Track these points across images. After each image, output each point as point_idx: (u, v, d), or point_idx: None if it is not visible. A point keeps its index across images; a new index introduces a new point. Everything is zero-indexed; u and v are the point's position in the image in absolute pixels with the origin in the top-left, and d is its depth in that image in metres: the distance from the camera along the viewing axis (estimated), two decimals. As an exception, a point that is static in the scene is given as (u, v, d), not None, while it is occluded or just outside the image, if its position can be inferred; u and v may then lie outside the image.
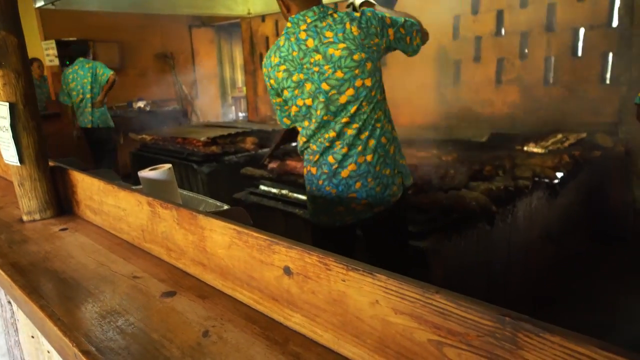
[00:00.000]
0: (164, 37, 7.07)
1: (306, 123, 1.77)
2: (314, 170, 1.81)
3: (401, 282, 0.61)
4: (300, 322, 0.79)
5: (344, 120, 1.70)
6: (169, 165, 1.62)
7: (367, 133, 1.72)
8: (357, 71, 1.64)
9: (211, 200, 1.76)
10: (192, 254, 1.03)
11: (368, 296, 0.66)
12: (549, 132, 3.68)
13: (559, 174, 3.00)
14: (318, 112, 1.71)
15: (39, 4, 3.92)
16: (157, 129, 5.88)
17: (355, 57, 1.63)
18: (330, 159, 1.75)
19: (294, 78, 1.69)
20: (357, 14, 1.69)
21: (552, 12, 3.69)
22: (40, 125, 1.51)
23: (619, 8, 3.26)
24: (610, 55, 3.43)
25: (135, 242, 1.27)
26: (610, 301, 2.86)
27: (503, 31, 3.98)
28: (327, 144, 1.74)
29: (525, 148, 3.49)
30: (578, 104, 3.71)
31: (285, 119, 1.89)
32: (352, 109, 1.68)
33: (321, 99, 1.68)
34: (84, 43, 5.58)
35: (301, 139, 1.83)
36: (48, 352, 1.26)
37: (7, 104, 1.40)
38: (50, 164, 1.59)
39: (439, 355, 0.59)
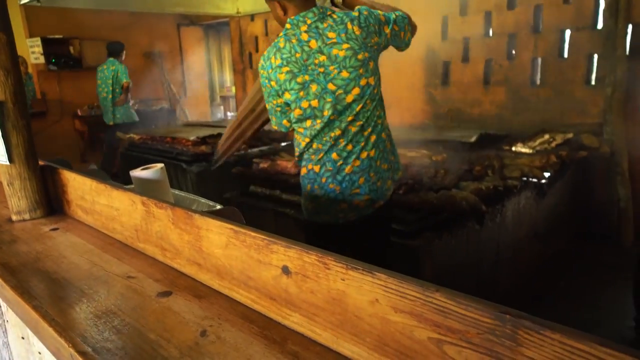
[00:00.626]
0: (152, 36, 7.01)
1: (309, 123, 1.75)
2: (317, 168, 1.80)
3: (401, 281, 0.61)
4: (299, 321, 0.80)
5: (349, 118, 1.72)
6: (161, 165, 1.61)
7: (369, 129, 1.76)
8: (361, 70, 1.68)
9: (203, 200, 1.76)
10: (187, 254, 1.03)
11: (368, 295, 0.66)
12: (536, 132, 3.73)
13: (547, 174, 3.05)
14: (325, 113, 1.71)
15: (24, 0, 3.86)
16: (145, 128, 5.83)
17: (360, 56, 1.67)
18: (334, 155, 1.76)
19: (299, 80, 1.67)
20: (355, 13, 1.71)
21: (539, 14, 3.73)
22: (30, 124, 1.49)
23: (604, 10, 3.32)
24: (595, 56, 3.49)
25: (128, 241, 1.25)
26: (595, 298, 2.92)
27: (491, 32, 4.02)
28: (332, 142, 1.75)
29: (513, 148, 3.53)
30: (564, 105, 3.76)
31: (284, 122, 1.82)
32: (358, 108, 1.72)
33: (328, 99, 1.69)
34: (119, 44, 5.85)
35: (303, 140, 1.79)
36: (39, 353, 1.24)
37: (-4, 102, 1.38)
38: (40, 163, 1.57)
39: (439, 353, 0.59)
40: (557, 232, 3.44)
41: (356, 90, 1.69)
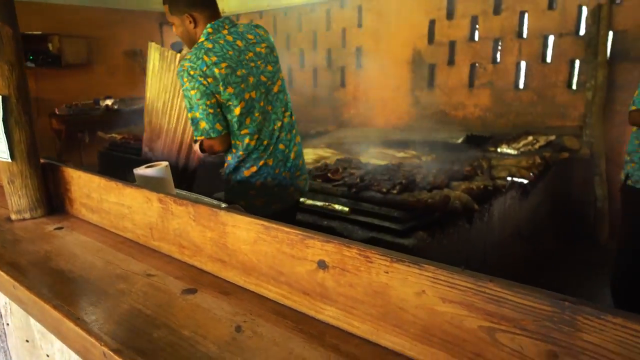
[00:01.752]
0: (134, 34, 6.89)
1: (248, 121, 1.88)
2: (270, 161, 1.96)
3: (451, 272, 0.63)
4: (335, 315, 0.81)
5: (282, 109, 1.97)
6: (165, 163, 1.59)
7: (293, 117, 2.05)
8: (278, 65, 1.98)
9: (207, 199, 1.74)
10: (210, 251, 1.03)
11: (414, 287, 0.68)
12: (520, 134, 3.83)
13: (532, 175, 3.13)
14: (261, 104, 1.90)
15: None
16: (126, 127, 5.72)
17: (274, 54, 1.97)
18: (281, 146, 1.97)
19: (238, 73, 1.82)
20: (253, 23, 2.00)
21: (524, 19, 3.83)
22: (32, 120, 1.45)
23: (587, 17, 3.43)
24: (577, 62, 3.61)
25: (141, 240, 1.24)
26: (574, 293, 3.01)
27: (477, 36, 4.10)
28: (277, 134, 1.95)
29: (498, 149, 3.61)
30: (546, 108, 3.87)
31: (217, 125, 1.85)
32: (284, 98, 1.99)
33: (262, 89, 1.89)
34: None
35: (251, 139, 1.90)
36: (47, 356, 1.22)
37: (0, 96, 1.34)
38: (41, 160, 1.53)
39: (490, 341, 0.61)
40: (538, 230, 3.54)
41: (279, 82, 1.96)
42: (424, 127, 4.54)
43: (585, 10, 3.44)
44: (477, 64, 4.18)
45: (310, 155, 3.61)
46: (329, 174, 2.94)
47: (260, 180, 1.96)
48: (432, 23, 4.34)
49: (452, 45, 4.28)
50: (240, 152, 1.93)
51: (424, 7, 4.32)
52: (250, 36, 1.91)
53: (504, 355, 0.60)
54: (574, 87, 3.69)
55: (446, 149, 3.62)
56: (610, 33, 3.36)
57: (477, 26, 4.10)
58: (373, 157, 3.49)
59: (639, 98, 2.26)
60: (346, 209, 2.65)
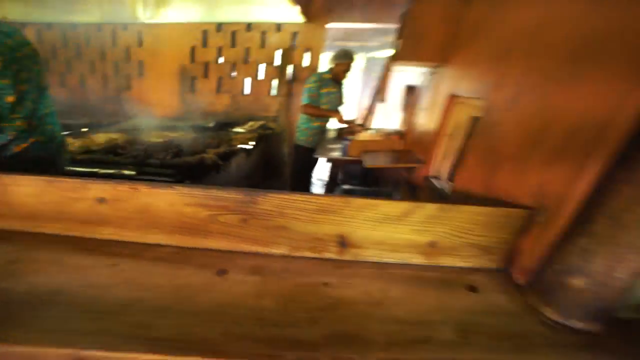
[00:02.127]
0: None
1: (20, 108, 1.46)
2: (40, 138, 1.55)
3: (191, 188, 0.65)
4: (111, 232, 0.71)
5: (47, 100, 1.58)
6: None
7: (54, 107, 1.70)
8: (41, 65, 1.58)
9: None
10: (-18, 208, 0.71)
11: (167, 201, 0.67)
12: (246, 120, 4.05)
13: (252, 143, 3.37)
14: (33, 96, 1.51)
15: None
16: None
17: (38, 56, 1.56)
18: (49, 127, 1.58)
19: (13, 68, 1.38)
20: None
21: (248, 53, 3.95)
22: None
23: (281, 55, 3.79)
24: (275, 80, 4.00)
25: None
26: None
27: (221, 60, 4.00)
28: (46, 119, 1.55)
29: (234, 129, 3.72)
30: (260, 106, 4.19)
31: None
32: (48, 92, 1.59)
33: (33, 84, 1.49)
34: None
35: (23, 123, 1.45)
36: None
37: None
38: None
39: (213, 222, 0.67)
40: (255, 174, 3.87)
41: (44, 79, 1.60)
42: (189, 117, 4.21)
43: (278, 52, 3.81)
44: (221, 78, 4.09)
45: (103, 138, 2.85)
46: (119, 150, 2.39)
47: (32, 153, 1.48)
48: (193, 48, 3.97)
49: (206, 64, 4.03)
50: (13, 133, 1.37)
51: (187, 37, 3.94)
52: (18, 37, 1.40)
53: (220, 227, 0.67)
54: (273, 93, 4.10)
55: (203, 130, 3.47)
56: (290, 66, 3.84)
57: (222, 53, 4.00)
58: (153, 137, 3.02)
59: (306, 99, 2.78)
60: (133, 172, 2.24)
